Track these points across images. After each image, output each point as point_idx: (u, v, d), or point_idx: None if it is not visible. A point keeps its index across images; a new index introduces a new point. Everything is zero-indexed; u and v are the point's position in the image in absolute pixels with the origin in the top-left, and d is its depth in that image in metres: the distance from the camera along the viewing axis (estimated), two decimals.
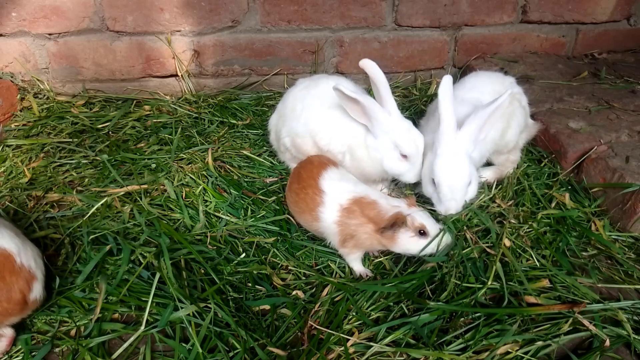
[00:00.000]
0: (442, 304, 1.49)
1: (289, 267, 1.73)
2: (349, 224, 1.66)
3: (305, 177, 1.79)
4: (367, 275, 1.71)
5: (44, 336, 1.46)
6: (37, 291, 1.41)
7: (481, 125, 1.79)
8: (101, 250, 1.68)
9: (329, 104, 2.03)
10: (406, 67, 3.02)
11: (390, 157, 1.88)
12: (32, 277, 1.40)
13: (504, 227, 1.78)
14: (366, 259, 1.79)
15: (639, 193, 1.81)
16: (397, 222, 1.56)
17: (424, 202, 1.90)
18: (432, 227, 1.59)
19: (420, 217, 1.58)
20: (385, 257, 1.77)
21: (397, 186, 2.05)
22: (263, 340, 1.43)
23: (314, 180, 1.76)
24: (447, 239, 1.62)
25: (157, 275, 1.53)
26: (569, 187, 2.07)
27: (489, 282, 1.54)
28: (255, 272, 1.68)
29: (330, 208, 1.69)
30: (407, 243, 1.59)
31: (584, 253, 1.78)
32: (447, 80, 1.79)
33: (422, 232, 1.57)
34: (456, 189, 1.77)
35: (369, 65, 1.82)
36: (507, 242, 1.71)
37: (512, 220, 1.83)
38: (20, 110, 2.64)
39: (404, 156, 1.86)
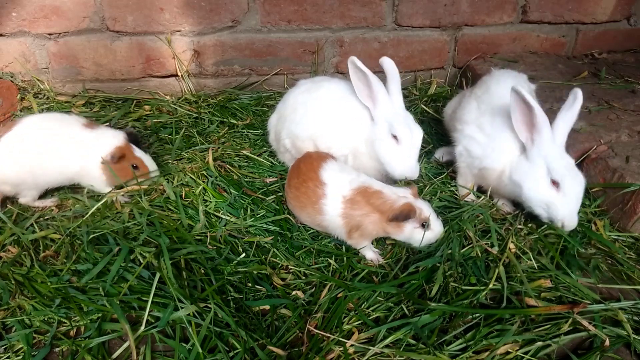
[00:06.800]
0: (443, 304, 1.49)
1: (289, 267, 1.73)
2: (353, 215, 1.67)
3: (305, 171, 1.79)
4: (379, 261, 1.73)
5: (43, 336, 1.45)
6: None
7: (570, 128, 1.76)
8: (102, 251, 1.68)
9: (330, 108, 2.02)
10: (406, 67, 3.02)
11: (385, 143, 1.90)
12: None
13: (510, 232, 1.77)
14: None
15: (639, 193, 1.81)
16: (409, 214, 1.60)
17: None
18: (434, 220, 1.67)
19: (426, 209, 1.65)
20: (386, 260, 1.76)
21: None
22: (263, 340, 1.42)
23: (315, 173, 1.76)
24: (442, 231, 1.71)
25: (157, 275, 1.53)
26: None
27: (491, 284, 1.54)
28: (255, 272, 1.68)
29: (333, 200, 1.71)
30: (412, 233, 1.66)
31: (583, 251, 1.78)
32: (521, 89, 1.68)
33: (424, 224, 1.64)
34: (581, 194, 1.71)
35: (387, 62, 1.94)
36: (512, 246, 1.71)
37: (520, 226, 1.83)
38: (20, 110, 2.63)
39: (395, 138, 1.88)
